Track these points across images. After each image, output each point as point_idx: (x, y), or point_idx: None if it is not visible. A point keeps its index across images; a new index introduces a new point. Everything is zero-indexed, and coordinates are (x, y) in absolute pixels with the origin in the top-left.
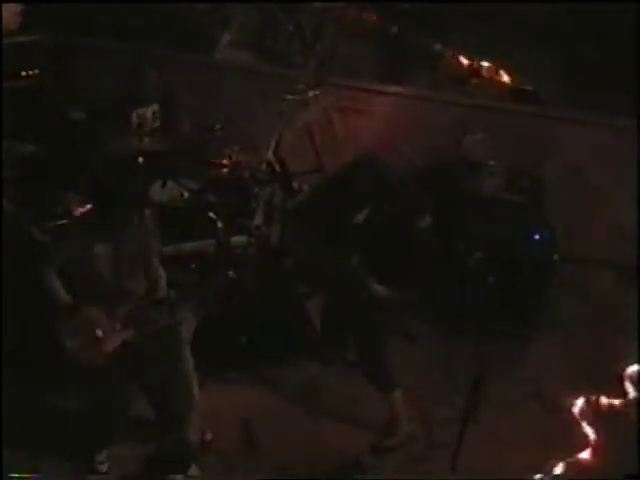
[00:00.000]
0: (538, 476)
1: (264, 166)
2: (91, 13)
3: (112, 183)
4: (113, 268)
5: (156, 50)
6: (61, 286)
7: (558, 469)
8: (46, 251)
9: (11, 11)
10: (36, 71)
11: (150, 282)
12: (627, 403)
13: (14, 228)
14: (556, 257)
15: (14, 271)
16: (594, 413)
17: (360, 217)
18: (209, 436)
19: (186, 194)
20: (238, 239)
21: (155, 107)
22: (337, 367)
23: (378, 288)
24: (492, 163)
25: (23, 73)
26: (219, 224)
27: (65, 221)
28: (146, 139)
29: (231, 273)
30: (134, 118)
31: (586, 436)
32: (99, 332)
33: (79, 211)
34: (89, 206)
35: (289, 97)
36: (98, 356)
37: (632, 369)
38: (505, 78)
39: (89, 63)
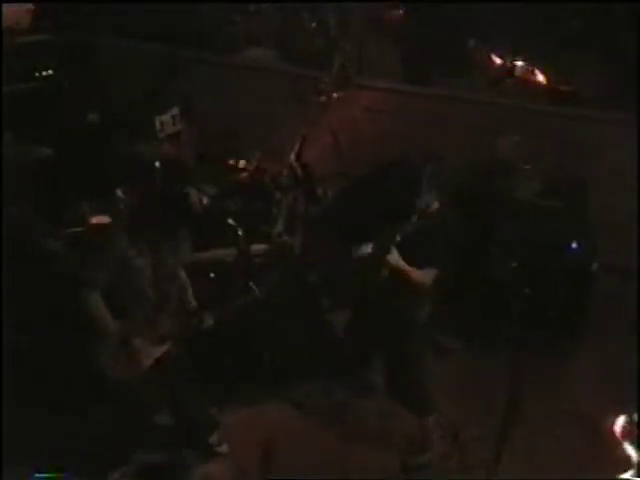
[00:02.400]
0: None
1: (286, 171)
2: (111, 12)
3: (169, 193)
4: (153, 281)
5: (178, 50)
6: (108, 312)
7: None
8: (89, 274)
9: (22, 9)
10: (50, 72)
11: (179, 293)
12: None
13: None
14: (596, 266)
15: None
16: (637, 432)
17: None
18: (225, 448)
19: (205, 200)
20: (259, 247)
21: (175, 111)
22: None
23: (418, 273)
24: (528, 167)
25: (37, 74)
26: (239, 232)
27: (80, 229)
28: (165, 144)
29: (251, 283)
30: (157, 124)
31: (628, 457)
32: (138, 346)
33: (95, 220)
34: (105, 218)
35: (312, 98)
36: (136, 371)
37: None
38: (541, 78)
39: (108, 64)
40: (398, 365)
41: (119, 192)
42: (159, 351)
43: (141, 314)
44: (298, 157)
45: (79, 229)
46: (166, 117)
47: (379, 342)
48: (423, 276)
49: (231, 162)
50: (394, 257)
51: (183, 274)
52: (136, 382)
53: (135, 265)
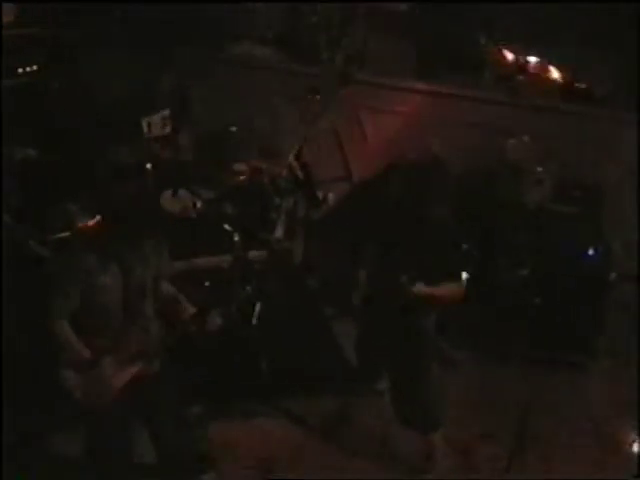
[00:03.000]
0: None
1: (286, 173)
2: (101, 7)
3: (123, 197)
4: (122, 297)
5: (172, 47)
6: (76, 339)
7: None
8: (57, 300)
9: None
10: (34, 67)
11: (170, 305)
12: None
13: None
14: (613, 276)
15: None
16: None
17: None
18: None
19: (199, 204)
20: (257, 254)
21: (165, 113)
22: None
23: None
24: (539, 169)
25: (20, 70)
26: (236, 237)
27: (67, 234)
28: (156, 145)
29: (249, 291)
30: (144, 126)
31: None
32: (107, 368)
33: (83, 224)
34: (94, 220)
35: (314, 96)
36: (106, 394)
37: None
38: (555, 75)
39: (97, 61)
40: (406, 378)
41: (71, 206)
42: (130, 372)
43: (109, 334)
44: (298, 158)
45: (66, 234)
46: (155, 118)
47: (389, 354)
48: (450, 292)
49: (227, 164)
50: (419, 288)
51: (166, 286)
52: (107, 407)
53: (99, 283)
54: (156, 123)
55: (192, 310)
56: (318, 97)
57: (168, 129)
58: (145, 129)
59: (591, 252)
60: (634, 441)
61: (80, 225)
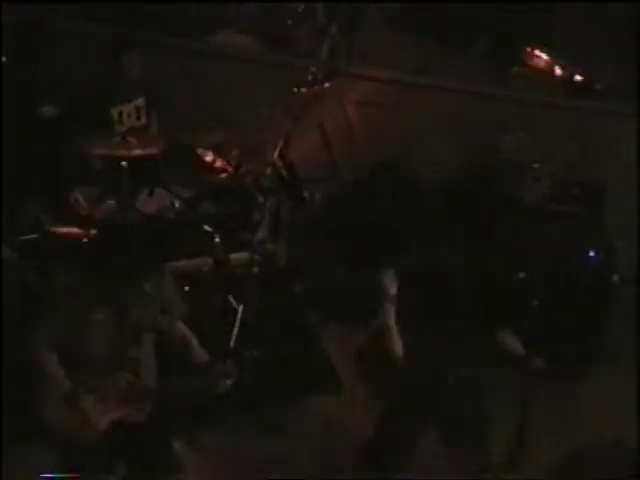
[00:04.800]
0: None
1: (269, 171)
2: None
3: (116, 232)
4: (113, 337)
5: (142, 34)
6: (61, 369)
7: None
8: (42, 331)
9: None
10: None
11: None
12: None
13: None
14: (616, 278)
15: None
16: None
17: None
18: None
19: (178, 203)
20: (239, 256)
21: (139, 102)
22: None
23: None
24: (536, 167)
25: None
26: (216, 239)
27: (35, 236)
28: (131, 140)
29: (230, 297)
30: (114, 115)
31: None
32: (90, 408)
33: (53, 230)
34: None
35: (298, 89)
36: (88, 435)
37: None
38: (554, 67)
39: (64, 47)
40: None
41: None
42: (114, 415)
43: (94, 373)
44: (282, 156)
45: (34, 236)
46: (127, 108)
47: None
48: None
49: (207, 161)
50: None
51: (181, 327)
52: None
53: (89, 318)
54: (129, 113)
55: (205, 357)
56: (303, 90)
57: (143, 120)
58: (116, 119)
59: (592, 253)
60: None
61: (50, 229)
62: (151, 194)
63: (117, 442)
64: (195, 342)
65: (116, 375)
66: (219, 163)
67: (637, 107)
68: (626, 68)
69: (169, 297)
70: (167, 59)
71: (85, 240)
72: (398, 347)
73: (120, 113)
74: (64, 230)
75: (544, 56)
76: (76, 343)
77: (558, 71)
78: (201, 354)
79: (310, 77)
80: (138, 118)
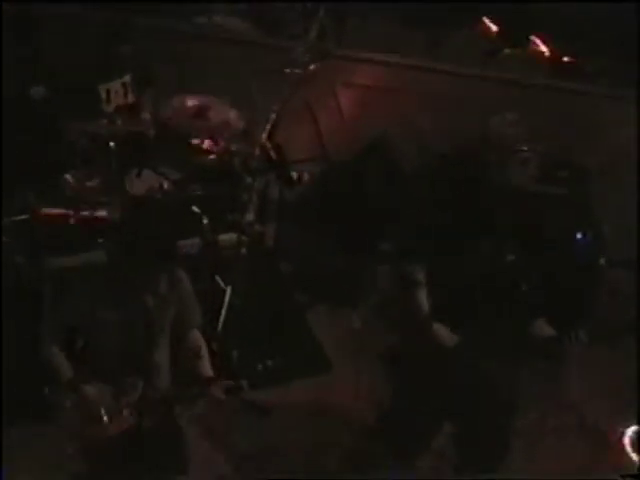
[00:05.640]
0: None
1: (257, 152)
2: None
3: (131, 226)
4: (126, 337)
5: (131, 15)
6: (64, 359)
7: None
8: (49, 321)
9: None
10: None
11: (189, 356)
12: None
13: None
14: (603, 261)
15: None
16: None
17: None
18: None
19: (166, 185)
20: (227, 237)
21: (127, 79)
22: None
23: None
24: (525, 148)
25: None
26: (205, 220)
27: (25, 216)
28: (117, 119)
29: (219, 278)
30: (102, 93)
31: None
32: (102, 412)
33: (42, 211)
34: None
35: (287, 71)
36: (98, 440)
37: None
38: (542, 48)
39: (52, 30)
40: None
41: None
42: (125, 422)
43: (104, 372)
44: (270, 137)
45: (24, 217)
46: (115, 85)
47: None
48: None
49: (195, 142)
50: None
51: (194, 336)
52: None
53: (98, 316)
54: (117, 91)
55: (209, 373)
56: (292, 71)
57: (131, 98)
58: (104, 98)
59: (579, 236)
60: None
61: (40, 210)
62: (139, 175)
63: (127, 444)
64: (206, 355)
65: (129, 379)
66: (207, 144)
67: (626, 90)
68: (616, 51)
69: (186, 303)
70: (156, 41)
71: (72, 222)
72: (445, 333)
73: (108, 91)
74: (53, 211)
75: (535, 39)
76: (86, 338)
77: (547, 53)
78: (207, 369)
79: (299, 59)
80: (125, 95)
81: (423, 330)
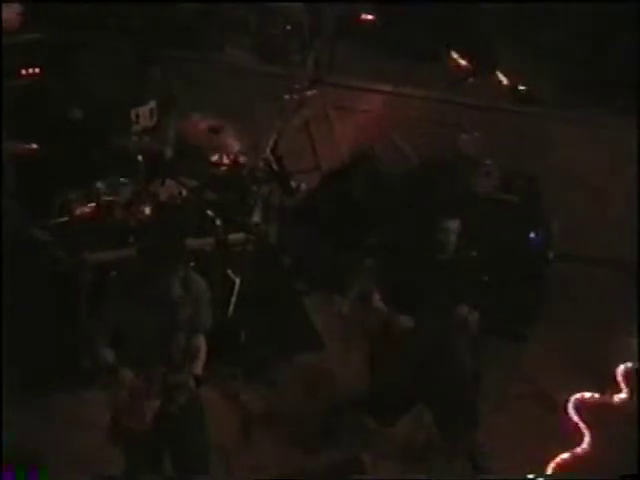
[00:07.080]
0: (531, 476)
1: (262, 165)
2: (94, 11)
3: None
4: (156, 335)
5: (158, 49)
6: (110, 352)
7: (553, 466)
8: (100, 331)
9: (13, 11)
10: (37, 69)
11: (187, 356)
12: (621, 400)
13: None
14: (552, 255)
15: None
16: (589, 410)
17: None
18: None
19: (185, 192)
20: (236, 237)
21: (152, 104)
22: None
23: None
24: (488, 162)
25: (23, 71)
26: (217, 222)
27: (65, 218)
28: (145, 137)
29: (229, 270)
30: (132, 116)
31: (582, 433)
32: (140, 399)
33: (81, 212)
34: (89, 206)
35: (287, 96)
36: (139, 424)
37: (626, 366)
38: (502, 78)
39: (91, 61)
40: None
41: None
42: (153, 406)
43: (137, 363)
44: (273, 151)
45: (64, 219)
46: (143, 110)
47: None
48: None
49: (209, 156)
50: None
51: (201, 340)
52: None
53: (132, 318)
54: (144, 114)
55: (199, 372)
56: (292, 97)
57: (155, 120)
58: (133, 120)
59: (532, 235)
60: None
61: (78, 212)
62: (162, 184)
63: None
64: (202, 357)
65: (157, 369)
66: (219, 158)
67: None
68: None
69: (200, 306)
70: (181, 71)
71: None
72: (403, 318)
73: (137, 115)
74: (87, 213)
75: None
76: (126, 338)
77: (505, 82)
78: (199, 369)
79: (297, 85)
80: (151, 117)
81: (388, 321)
